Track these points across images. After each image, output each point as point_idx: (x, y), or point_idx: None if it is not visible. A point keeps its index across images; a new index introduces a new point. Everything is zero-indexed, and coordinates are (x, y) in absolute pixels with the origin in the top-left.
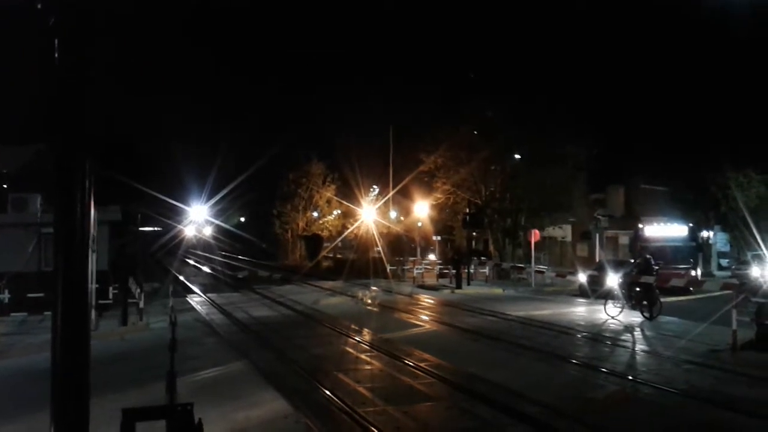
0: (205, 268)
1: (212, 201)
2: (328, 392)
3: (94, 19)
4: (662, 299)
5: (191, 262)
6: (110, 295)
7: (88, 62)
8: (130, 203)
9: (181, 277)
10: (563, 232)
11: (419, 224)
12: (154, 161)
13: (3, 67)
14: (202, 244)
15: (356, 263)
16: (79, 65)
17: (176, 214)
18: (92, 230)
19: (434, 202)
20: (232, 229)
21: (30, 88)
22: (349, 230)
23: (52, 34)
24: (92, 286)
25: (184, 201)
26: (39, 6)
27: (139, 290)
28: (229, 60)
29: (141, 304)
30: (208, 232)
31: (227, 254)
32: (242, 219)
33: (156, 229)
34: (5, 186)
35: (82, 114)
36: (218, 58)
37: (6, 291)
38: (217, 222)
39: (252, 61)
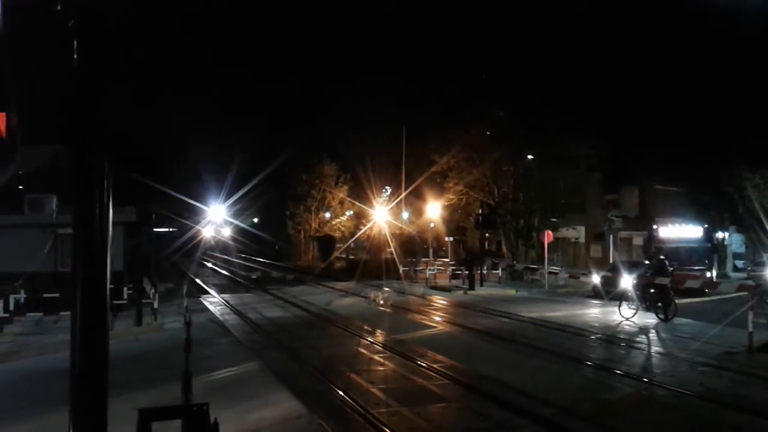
0: (224, 272)
1: (230, 201)
2: (341, 393)
3: (113, 21)
4: (677, 301)
5: (209, 265)
6: (125, 296)
7: (107, 63)
8: (146, 203)
9: (198, 280)
10: (576, 233)
11: (432, 225)
12: (171, 161)
13: (20, 66)
14: (220, 246)
15: (369, 264)
16: (97, 66)
17: (194, 214)
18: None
19: (446, 203)
20: (251, 229)
21: (47, 88)
22: (361, 231)
23: (71, 35)
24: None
25: (202, 201)
26: (59, 8)
27: (153, 291)
28: (243, 61)
29: (155, 305)
30: (226, 232)
31: (247, 256)
32: (255, 220)
33: (171, 229)
34: (21, 187)
35: (101, 114)
36: (232, 59)
37: (22, 291)
38: (236, 222)
39: (266, 62)
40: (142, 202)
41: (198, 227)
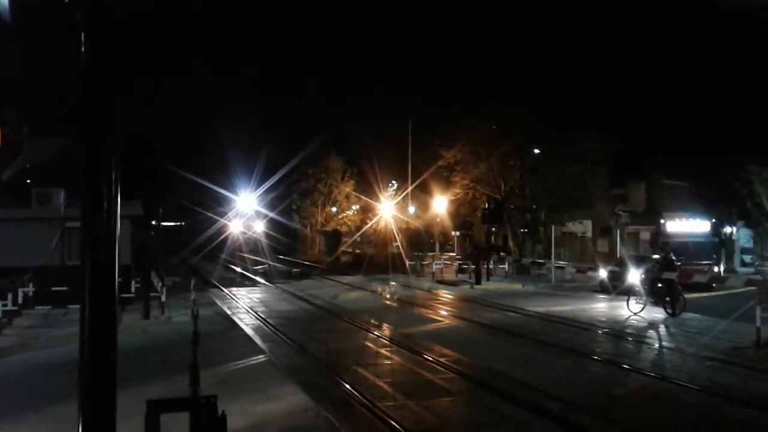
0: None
1: (260, 190)
2: (348, 386)
3: (124, 12)
4: (685, 296)
5: (237, 269)
6: (132, 289)
7: (116, 56)
8: (164, 192)
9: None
10: (583, 227)
11: (438, 219)
12: (195, 147)
13: (27, 59)
14: (251, 244)
15: (375, 258)
16: (106, 59)
17: (220, 205)
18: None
19: (453, 198)
20: (287, 222)
21: (55, 81)
22: (367, 225)
23: (79, 28)
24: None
25: (230, 190)
26: (66, 0)
27: (160, 284)
28: (255, 52)
29: (163, 298)
30: (259, 227)
31: (285, 257)
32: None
33: (180, 223)
34: (29, 180)
35: (110, 109)
36: (258, 44)
37: (30, 285)
38: (270, 214)
39: (278, 55)
40: (159, 190)
41: (224, 221)
